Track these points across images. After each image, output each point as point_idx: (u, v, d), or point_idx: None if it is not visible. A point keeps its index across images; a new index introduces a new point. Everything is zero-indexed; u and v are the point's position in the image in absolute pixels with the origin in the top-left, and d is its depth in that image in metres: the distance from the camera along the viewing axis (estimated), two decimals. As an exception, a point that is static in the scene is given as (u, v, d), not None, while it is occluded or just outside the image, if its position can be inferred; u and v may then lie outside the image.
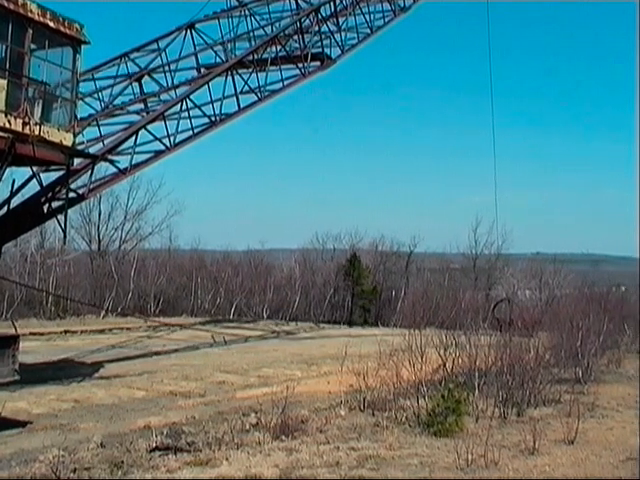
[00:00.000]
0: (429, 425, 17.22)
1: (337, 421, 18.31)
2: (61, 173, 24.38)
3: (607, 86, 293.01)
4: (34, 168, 24.47)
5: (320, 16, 32.62)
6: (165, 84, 29.26)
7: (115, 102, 28.71)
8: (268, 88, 31.26)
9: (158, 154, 27.91)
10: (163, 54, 29.58)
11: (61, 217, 24.93)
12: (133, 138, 26.89)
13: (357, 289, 63.87)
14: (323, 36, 33.08)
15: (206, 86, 28.87)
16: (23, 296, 48.27)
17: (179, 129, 28.13)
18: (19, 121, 19.65)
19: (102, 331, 40.75)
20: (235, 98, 29.78)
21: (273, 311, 59.96)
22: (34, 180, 24.98)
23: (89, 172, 25.96)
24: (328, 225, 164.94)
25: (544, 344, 24.94)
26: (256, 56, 30.62)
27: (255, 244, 73.48)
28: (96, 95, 28.55)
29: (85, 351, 30.49)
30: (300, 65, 32.05)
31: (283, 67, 31.74)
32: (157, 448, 14.66)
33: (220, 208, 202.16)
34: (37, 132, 20.16)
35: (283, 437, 16.06)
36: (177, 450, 14.56)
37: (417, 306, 31.96)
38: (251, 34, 31.33)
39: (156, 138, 27.65)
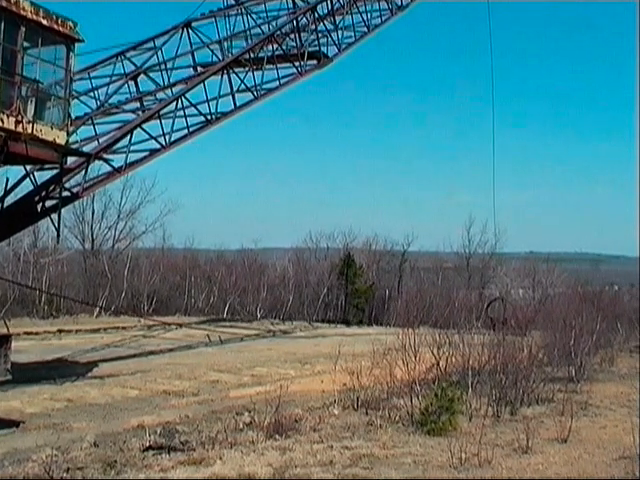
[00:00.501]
0: (422, 424, 17.24)
1: (331, 420, 18.33)
2: (55, 172, 24.31)
3: (600, 86, 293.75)
4: (28, 167, 24.42)
5: (317, 14, 32.55)
6: (161, 83, 29.15)
7: (111, 101, 28.56)
8: (264, 87, 31.18)
9: (153, 153, 27.83)
10: (159, 53, 29.45)
11: (54, 216, 24.87)
12: (128, 137, 26.82)
13: (351, 288, 63.84)
14: (320, 35, 32.98)
15: (202, 85, 28.83)
16: (16, 295, 48.06)
17: (175, 128, 28.09)
18: (12, 119, 19.56)
19: (96, 330, 40.64)
20: (231, 97, 29.75)
21: (267, 310, 59.86)
22: (28, 179, 24.93)
23: (83, 171, 25.88)
24: (322, 224, 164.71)
25: (537, 343, 24.98)
26: (252, 55, 30.53)
27: (249, 243, 73.28)
28: (92, 94, 28.43)
29: (79, 350, 30.41)
30: (297, 64, 31.95)
31: (279, 66, 31.65)
32: (150, 447, 14.64)
33: (214, 207, 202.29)
34: (30, 130, 20.09)
35: (277, 436, 16.06)
36: (170, 449, 14.54)
37: (411, 305, 31.89)
38: (248, 32, 31.23)
39: (151, 137, 27.57)
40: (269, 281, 63.50)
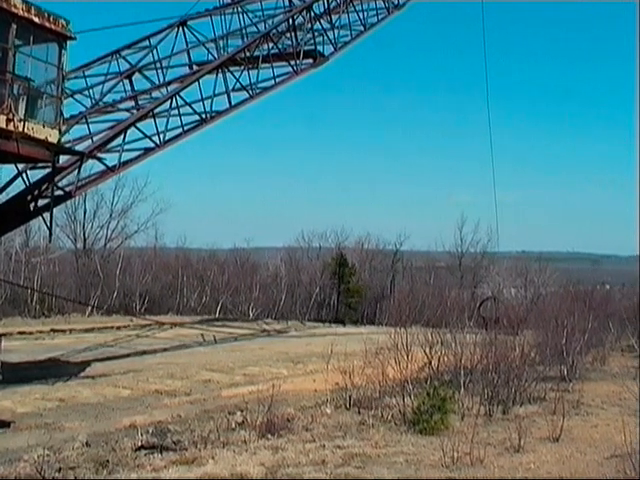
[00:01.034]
0: (415, 423, 17.27)
1: (323, 419, 18.34)
2: (48, 171, 24.21)
3: (594, 86, 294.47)
4: (20, 165, 24.32)
5: (313, 13, 32.51)
6: (157, 82, 29.05)
7: (106, 100, 28.46)
8: (260, 85, 31.11)
9: (147, 151, 27.74)
10: (155, 51, 29.30)
11: (47, 215, 24.78)
12: (122, 136, 26.71)
13: (343, 287, 63.89)
14: (316, 33, 32.94)
15: (197, 83, 28.75)
16: (7, 295, 47.96)
17: (169, 126, 28.02)
18: (3, 117, 19.51)
19: (88, 330, 40.51)
20: (226, 95, 29.68)
21: (259, 309, 59.83)
22: (23, 177, 24.81)
23: (77, 170, 25.77)
24: (314, 223, 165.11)
25: (529, 342, 25.03)
26: (248, 53, 30.49)
27: (241, 242, 73.26)
28: (87, 92, 28.32)
29: (71, 350, 30.31)
30: (292, 62, 31.89)
31: (275, 64, 31.57)
32: (142, 447, 14.62)
33: (206, 206, 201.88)
34: (21, 129, 20.02)
35: (269, 435, 16.07)
36: (163, 449, 14.53)
37: (403, 304, 31.87)
38: (243, 31, 31.17)
39: (145, 136, 27.48)
40: (261, 280, 63.45)
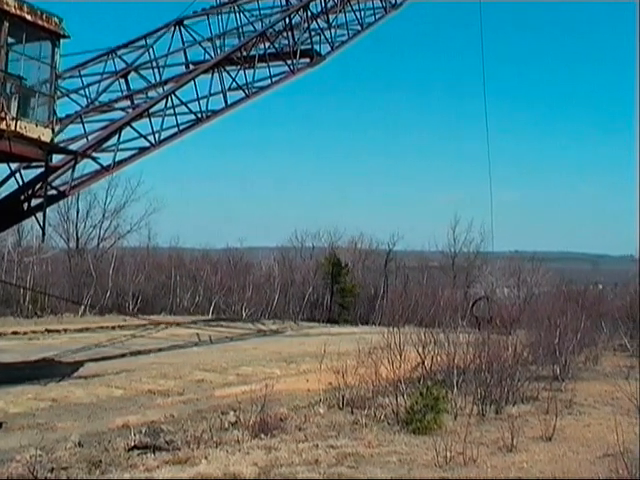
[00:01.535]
0: (408, 423, 17.28)
1: (316, 419, 18.34)
2: (42, 170, 24.11)
3: (588, 86, 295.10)
4: (13, 165, 24.21)
5: (310, 12, 32.45)
6: (153, 81, 28.95)
7: (102, 99, 28.36)
8: (256, 85, 31.03)
9: (142, 151, 27.60)
10: (151, 51, 29.20)
11: (40, 215, 24.69)
12: (117, 135, 26.60)
13: (336, 287, 63.88)
14: (313, 33, 32.89)
15: (193, 83, 28.68)
16: (0, 295, 47.80)
17: (165, 126, 27.91)
18: (-6, 116, 19.45)
19: (81, 330, 40.42)
20: (222, 95, 29.59)
21: (252, 309, 59.80)
22: (16, 176, 24.70)
23: (71, 169, 25.67)
24: (307, 223, 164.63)
25: (522, 342, 25.07)
26: (245, 53, 30.42)
27: (234, 242, 73.21)
28: (82, 92, 28.20)
29: (64, 350, 30.24)
30: (289, 62, 31.82)
31: (272, 64, 31.45)
32: (135, 447, 14.60)
33: (199, 206, 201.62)
34: (13, 127, 19.95)
35: (262, 435, 16.07)
36: (156, 449, 14.51)
37: (396, 304, 31.98)
38: (240, 30, 31.09)
39: (141, 135, 27.36)
40: (255, 280, 63.38)
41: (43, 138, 21.20)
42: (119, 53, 29.33)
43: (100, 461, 13.70)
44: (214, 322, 49.33)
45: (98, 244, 61.60)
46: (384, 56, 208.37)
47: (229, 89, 29.84)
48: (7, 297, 48.55)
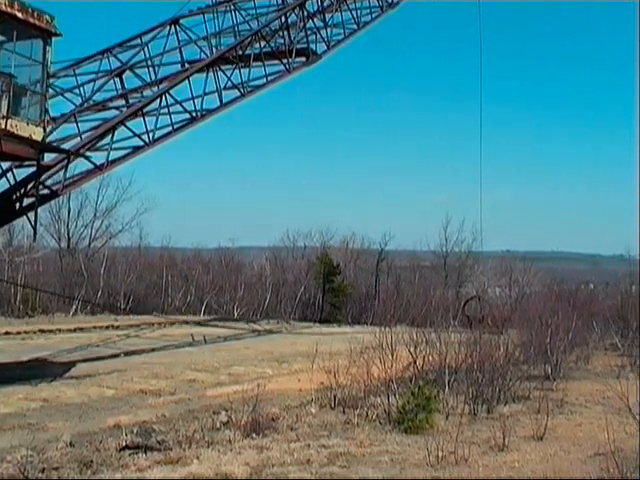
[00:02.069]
0: (399, 422, 17.30)
1: (308, 419, 18.33)
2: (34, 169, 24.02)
3: (583, 86, 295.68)
4: (5, 164, 24.12)
5: (306, 11, 32.44)
6: (149, 80, 28.87)
7: (97, 98, 28.26)
8: (251, 84, 31.04)
9: (136, 150, 27.57)
10: (146, 49, 29.06)
11: (31, 214, 24.60)
12: (110, 134, 26.52)
13: (328, 287, 63.84)
14: (309, 32, 32.90)
15: (187, 82, 28.63)
16: (-10, 294, 47.66)
17: (159, 125, 27.88)
18: (-16, 115, 19.38)
19: (72, 330, 40.28)
20: (217, 94, 29.57)
21: (244, 309, 59.75)
22: (9, 175, 24.61)
23: (64, 168, 25.56)
24: (299, 223, 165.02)
25: (514, 341, 25.15)
26: (240, 52, 30.38)
27: (226, 242, 73.15)
28: (77, 91, 28.10)
29: (56, 350, 30.14)
30: (285, 61, 31.82)
31: (267, 63, 31.46)
32: (127, 447, 14.57)
33: (191, 206, 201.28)
34: (4, 126, 19.87)
35: (254, 435, 16.05)
36: (147, 449, 14.48)
37: (388, 304, 32.04)
38: (236, 29, 31.03)
39: (135, 134, 27.31)
40: (246, 280, 63.33)
41: (34, 137, 21.13)
42: (114, 52, 29.24)
43: (91, 461, 13.66)
44: (206, 322, 49.24)
45: (89, 244, 61.54)
46: (384, 56, 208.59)
47: (224, 88, 29.85)
48: (-2, 297, 48.37)
